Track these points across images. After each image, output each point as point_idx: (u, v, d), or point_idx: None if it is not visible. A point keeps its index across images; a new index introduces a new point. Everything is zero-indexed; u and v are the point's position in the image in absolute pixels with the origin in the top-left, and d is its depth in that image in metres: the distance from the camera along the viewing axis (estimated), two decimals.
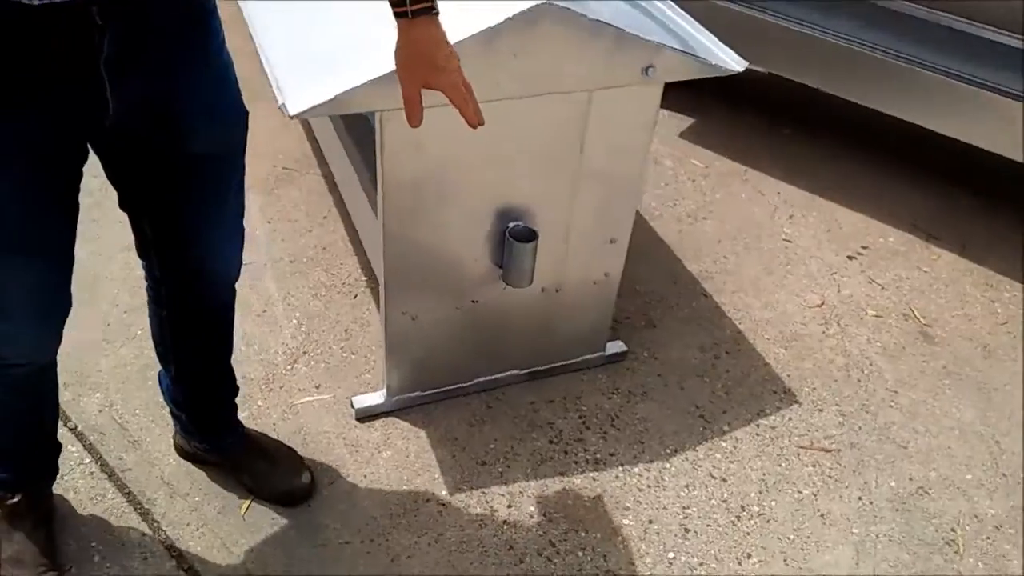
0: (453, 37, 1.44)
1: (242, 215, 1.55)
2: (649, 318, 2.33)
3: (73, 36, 1.13)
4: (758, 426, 2.07)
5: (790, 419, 2.09)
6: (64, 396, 1.98)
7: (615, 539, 1.80)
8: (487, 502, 1.85)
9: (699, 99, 3.21)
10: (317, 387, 2.06)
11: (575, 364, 2.13)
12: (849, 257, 2.61)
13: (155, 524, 1.76)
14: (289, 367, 2.10)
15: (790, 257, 2.59)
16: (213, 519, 1.78)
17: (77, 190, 1.33)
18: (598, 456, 1.96)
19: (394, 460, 1.91)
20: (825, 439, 2.05)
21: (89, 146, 1.31)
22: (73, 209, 1.34)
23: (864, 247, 2.65)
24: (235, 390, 1.79)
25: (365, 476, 1.88)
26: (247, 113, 1.42)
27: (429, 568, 1.72)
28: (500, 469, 1.92)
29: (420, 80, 1.31)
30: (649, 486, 1.91)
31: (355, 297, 2.28)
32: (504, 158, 1.70)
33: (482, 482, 1.89)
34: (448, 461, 1.92)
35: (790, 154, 3.01)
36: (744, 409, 2.11)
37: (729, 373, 2.20)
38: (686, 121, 3.16)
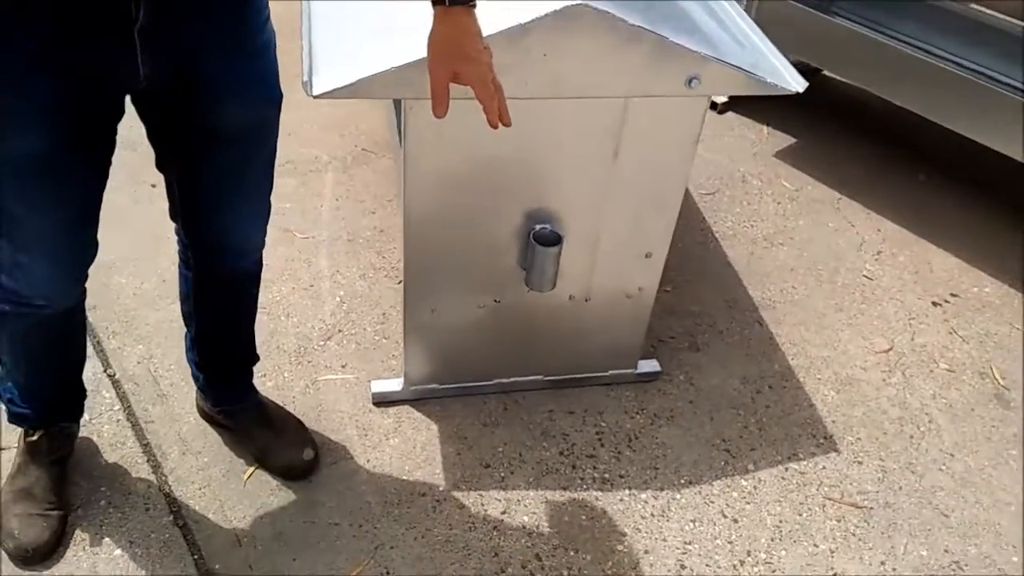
0: (484, 31, 1.42)
1: (269, 194, 1.58)
2: (695, 340, 2.23)
3: (110, 2, 1.17)
4: (786, 469, 1.94)
5: (824, 467, 1.96)
6: (111, 344, 2.09)
7: (605, 564, 1.74)
8: (482, 505, 1.82)
9: (806, 118, 3.06)
10: (343, 366, 2.08)
11: (603, 378, 2.07)
12: (934, 303, 2.41)
13: (163, 478, 1.83)
14: (322, 343, 2.13)
15: (866, 296, 2.42)
16: (217, 481, 1.83)
17: (110, 145, 1.38)
18: (606, 476, 1.90)
19: (400, 449, 1.91)
20: (858, 494, 1.90)
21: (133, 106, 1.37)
22: (102, 162, 1.38)
23: (954, 294, 2.44)
24: (252, 359, 1.84)
25: (369, 460, 1.89)
26: (280, 95, 1.44)
27: (410, 562, 1.71)
28: (503, 474, 1.88)
29: (449, 71, 1.30)
30: (653, 515, 1.83)
31: (399, 282, 2.29)
32: (532, 158, 1.66)
33: (482, 484, 1.86)
34: (452, 458, 1.90)
35: (895, 186, 2.82)
36: (775, 450, 1.98)
37: (768, 409, 2.07)
38: (786, 140, 3.00)
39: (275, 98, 1.42)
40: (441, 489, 1.85)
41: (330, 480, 1.85)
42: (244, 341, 1.80)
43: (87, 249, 1.48)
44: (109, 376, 2.02)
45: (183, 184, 1.47)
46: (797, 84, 1.63)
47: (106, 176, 1.42)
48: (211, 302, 1.69)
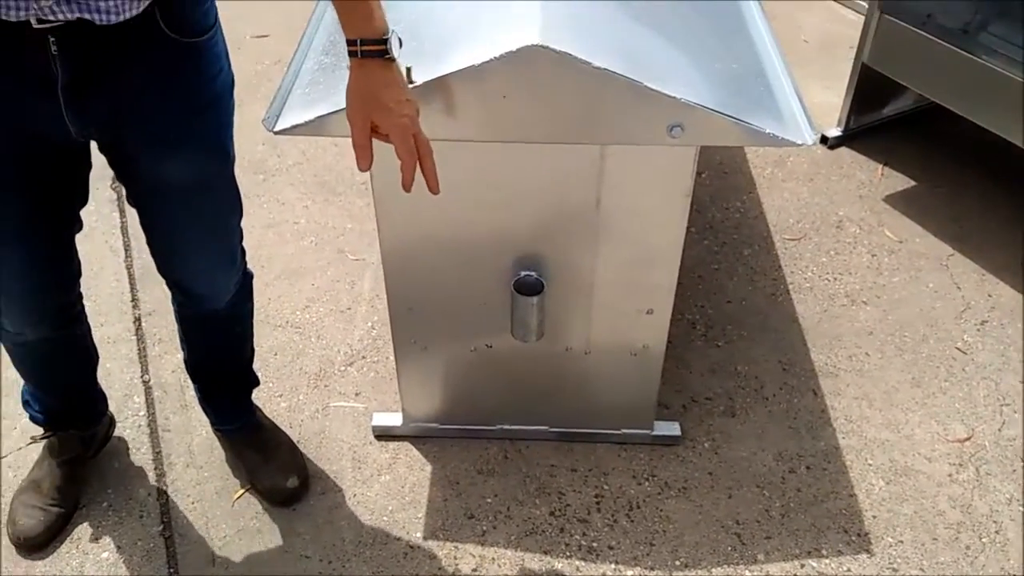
0: (440, 70, 1.36)
1: (229, 246, 1.58)
2: (732, 405, 2.03)
3: (31, 60, 1.19)
4: (802, 566, 1.72)
5: (848, 570, 1.71)
6: (153, 350, 2.20)
7: None
8: (455, 558, 1.75)
9: (932, 159, 2.73)
10: (357, 394, 2.07)
11: (616, 436, 1.93)
12: None
13: (164, 488, 1.90)
14: (343, 368, 2.13)
15: (954, 372, 2.10)
16: (209, 498, 1.87)
17: (63, 195, 1.42)
18: (594, 545, 1.76)
19: (389, 487, 1.87)
20: None
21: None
22: (56, 211, 1.42)
23: None
24: (247, 385, 1.87)
25: (355, 495, 1.86)
26: (225, 151, 1.44)
27: None
28: (484, 527, 1.80)
29: (366, 120, 1.26)
30: None
31: None
32: (507, 202, 1.57)
33: (460, 535, 1.78)
34: (438, 503, 1.84)
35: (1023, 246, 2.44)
36: (794, 541, 1.76)
37: (799, 493, 1.85)
38: (904, 183, 2.68)
39: (220, 153, 1.42)
40: (418, 535, 1.79)
41: (314, 510, 1.84)
42: (234, 372, 1.83)
43: (44, 292, 1.51)
44: (144, 382, 2.12)
45: (145, 226, 1.51)
46: (807, 136, 1.43)
47: (68, 224, 1.47)
48: (194, 336, 1.74)
